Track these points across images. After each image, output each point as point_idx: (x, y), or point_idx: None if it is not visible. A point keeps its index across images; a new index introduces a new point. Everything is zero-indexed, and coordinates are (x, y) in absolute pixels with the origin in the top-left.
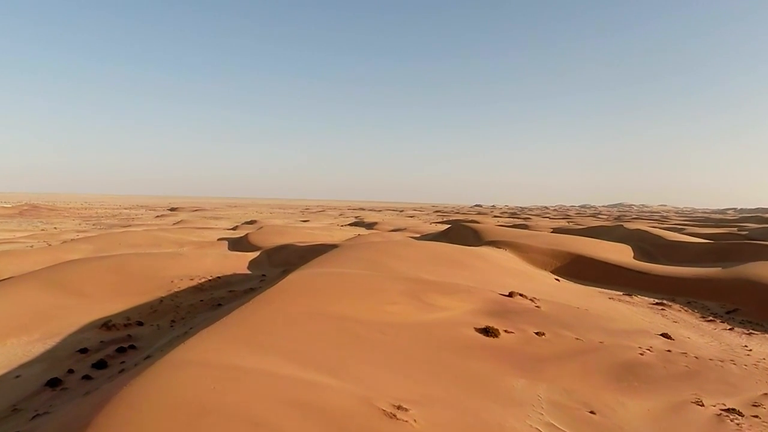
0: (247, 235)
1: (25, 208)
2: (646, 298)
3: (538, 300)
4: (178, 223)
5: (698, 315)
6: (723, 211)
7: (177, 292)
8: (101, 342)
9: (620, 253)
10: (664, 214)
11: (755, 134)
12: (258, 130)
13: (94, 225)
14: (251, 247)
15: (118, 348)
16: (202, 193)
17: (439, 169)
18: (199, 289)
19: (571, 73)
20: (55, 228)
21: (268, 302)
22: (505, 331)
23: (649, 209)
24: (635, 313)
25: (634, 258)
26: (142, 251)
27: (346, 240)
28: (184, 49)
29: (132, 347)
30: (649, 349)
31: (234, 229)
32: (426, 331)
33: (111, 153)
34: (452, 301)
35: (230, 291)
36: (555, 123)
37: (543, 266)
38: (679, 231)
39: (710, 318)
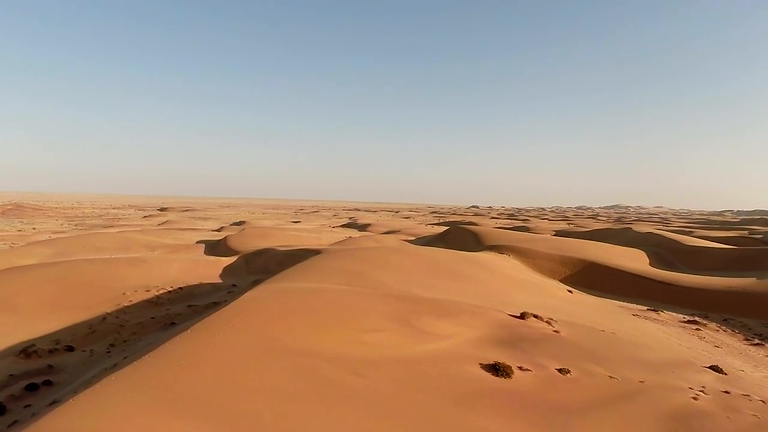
0: (225, 237)
1: (9, 207)
2: (675, 314)
3: (555, 321)
4: (163, 223)
5: (741, 337)
6: (720, 213)
7: (127, 306)
8: (11, 376)
9: (635, 260)
10: (663, 215)
11: (751, 136)
12: (257, 131)
13: (76, 225)
14: (229, 251)
15: (28, 385)
16: (201, 193)
17: (436, 170)
18: (153, 303)
19: (568, 75)
20: (33, 228)
21: (211, 332)
22: (520, 368)
23: (646, 211)
24: (668, 335)
25: (650, 265)
26: (107, 256)
27: (334, 243)
28: (182, 49)
29: (47, 383)
30: (702, 391)
31: (219, 230)
32: (417, 371)
33: (113, 153)
34: (451, 326)
35: (190, 306)
36: (551, 124)
37: (551, 274)
38: (687, 234)
39: (756, 341)
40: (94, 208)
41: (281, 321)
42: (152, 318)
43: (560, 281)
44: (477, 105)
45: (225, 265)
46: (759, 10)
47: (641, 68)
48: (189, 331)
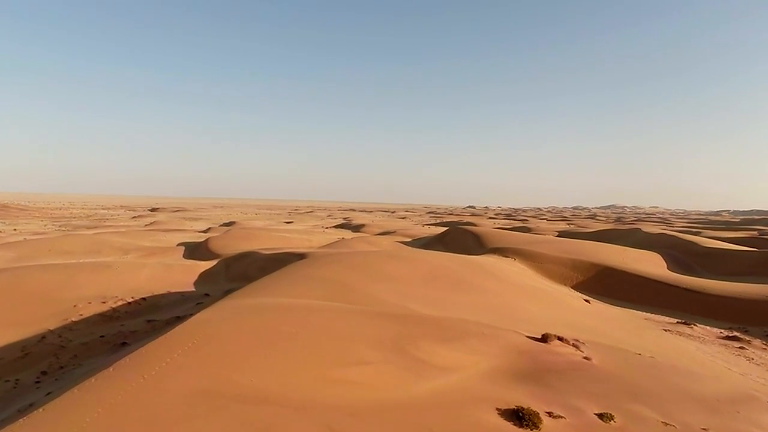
0: (206, 240)
1: None
2: (709, 328)
3: (583, 344)
4: (150, 224)
5: None
6: (718, 213)
7: (75, 322)
8: None
9: (651, 264)
10: (661, 215)
11: (745, 137)
12: (256, 132)
13: (60, 226)
14: (210, 255)
15: None
16: (200, 193)
17: (431, 171)
18: (108, 317)
19: (563, 76)
20: (14, 229)
21: (141, 370)
22: (549, 413)
23: (642, 211)
24: (711, 357)
25: (668, 270)
26: (73, 260)
27: (324, 246)
28: (184, 50)
29: None
30: None
31: (205, 231)
32: (416, 423)
33: (115, 154)
34: (458, 354)
35: (149, 321)
36: (546, 125)
37: (562, 280)
38: (695, 235)
39: None
40: (83, 208)
41: (236, 353)
42: (101, 336)
43: (572, 288)
44: (474, 106)
45: (202, 271)
46: (757, 10)
47: (636, 69)
48: (112, 368)
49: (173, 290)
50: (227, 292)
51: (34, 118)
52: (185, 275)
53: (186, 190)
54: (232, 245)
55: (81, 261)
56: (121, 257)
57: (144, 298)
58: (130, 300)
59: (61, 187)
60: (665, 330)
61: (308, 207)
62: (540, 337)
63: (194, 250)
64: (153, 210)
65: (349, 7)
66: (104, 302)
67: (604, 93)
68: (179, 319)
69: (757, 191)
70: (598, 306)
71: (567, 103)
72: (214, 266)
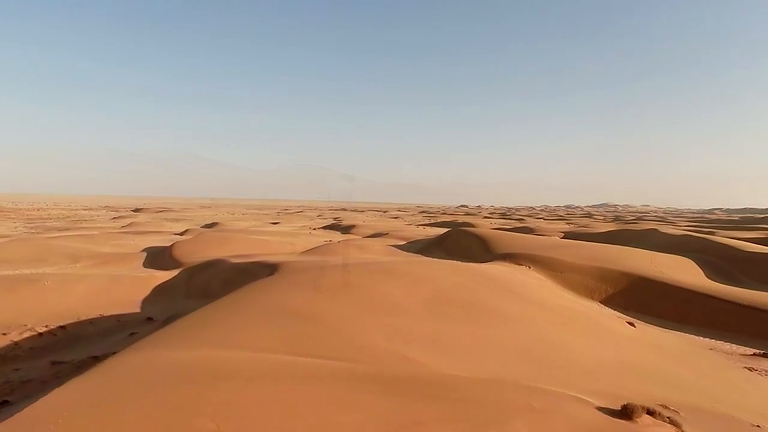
0: (171, 245)
1: None
2: None
3: (676, 412)
4: (126, 225)
5: None
6: (710, 211)
7: None
8: None
9: (686, 272)
10: (655, 214)
11: (739, 135)
12: (254, 131)
13: (31, 228)
14: (172, 263)
15: None
16: (201, 193)
17: (424, 170)
18: (1, 357)
19: (555, 75)
20: None
21: None
22: None
23: (635, 209)
24: None
25: (708, 278)
26: (9, 271)
27: (308, 251)
28: (189, 51)
29: None
30: None
31: (182, 233)
32: None
33: (116, 154)
34: None
35: (55, 363)
36: (539, 125)
37: (588, 293)
38: (709, 235)
39: None
40: (64, 209)
41: None
42: None
43: (601, 303)
44: (466, 105)
45: (158, 284)
46: (753, 8)
47: (628, 68)
48: None
49: (110, 313)
50: (167, 321)
51: (31, 119)
52: (134, 290)
53: (186, 189)
54: (200, 251)
55: (16, 272)
56: (68, 266)
57: (63, 327)
58: (43, 330)
59: (60, 186)
60: (748, 368)
61: (299, 207)
62: (619, 409)
63: (156, 258)
64: (136, 210)
65: (343, 3)
66: (5, 334)
67: (598, 91)
68: (96, 360)
69: (747, 189)
70: (647, 331)
71: (559, 103)
72: (174, 278)
